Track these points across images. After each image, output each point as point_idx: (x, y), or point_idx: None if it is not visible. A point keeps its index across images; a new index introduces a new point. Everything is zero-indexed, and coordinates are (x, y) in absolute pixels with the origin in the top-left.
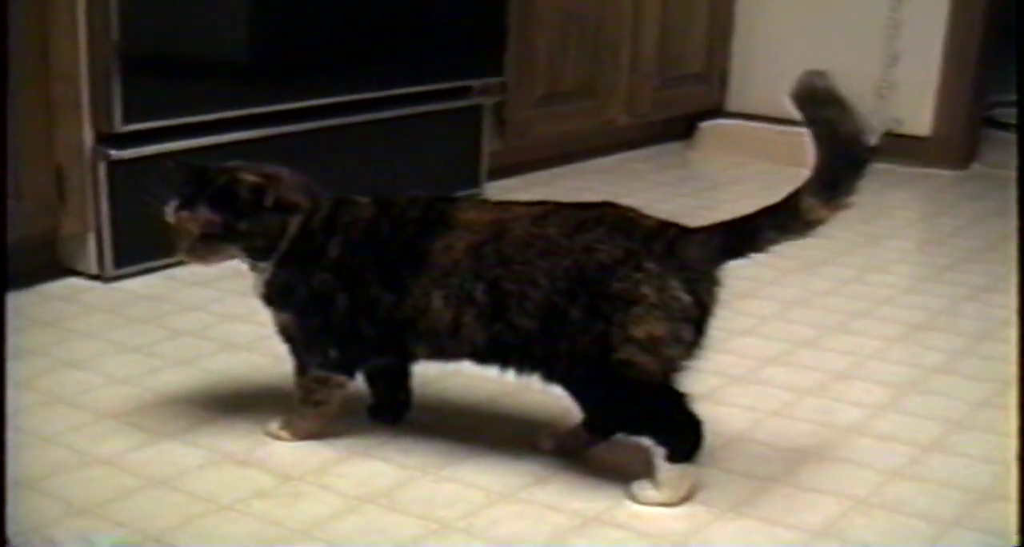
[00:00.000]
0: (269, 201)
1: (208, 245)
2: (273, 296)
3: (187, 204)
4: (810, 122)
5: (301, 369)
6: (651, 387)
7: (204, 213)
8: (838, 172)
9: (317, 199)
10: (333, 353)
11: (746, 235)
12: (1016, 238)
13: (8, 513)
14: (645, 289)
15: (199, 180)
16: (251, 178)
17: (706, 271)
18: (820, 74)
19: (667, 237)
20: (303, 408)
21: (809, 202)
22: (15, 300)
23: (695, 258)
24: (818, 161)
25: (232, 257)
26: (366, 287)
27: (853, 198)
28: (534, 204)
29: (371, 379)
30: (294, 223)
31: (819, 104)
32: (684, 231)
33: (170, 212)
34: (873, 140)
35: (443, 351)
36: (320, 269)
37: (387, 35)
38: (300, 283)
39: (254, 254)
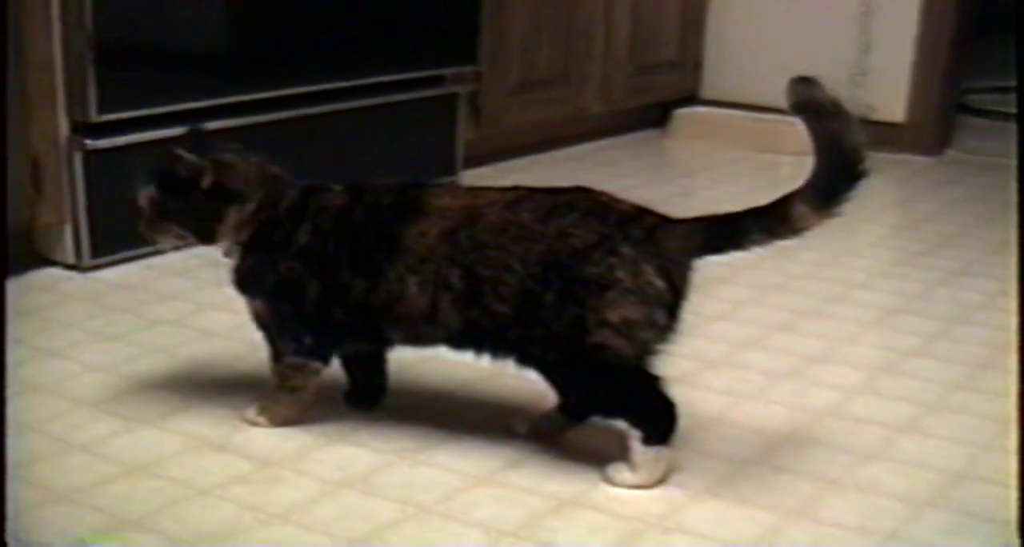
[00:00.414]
0: (205, 184)
1: (155, 223)
2: (243, 282)
3: (148, 182)
4: (814, 133)
5: (276, 356)
6: (625, 370)
7: (150, 190)
8: (835, 184)
9: (278, 189)
10: (307, 340)
11: (730, 234)
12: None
13: None
14: (619, 273)
15: (167, 160)
16: (191, 159)
17: (682, 262)
18: (812, 81)
19: (646, 224)
20: (279, 394)
21: (800, 210)
22: None
23: (673, 249)
24: (816, 171)
25: (179, 238)
26: (337, 274)
27: (844, 207)
28: (507, 190)
29: (347, 365)
30: (236, 211)
31: (824, 116)
32: (666, 220)
33: (141, 191)
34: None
35: (419, 336)
36: (287, 256)
37: (361, 24)
38: (267, 270)
39: (196, 235)
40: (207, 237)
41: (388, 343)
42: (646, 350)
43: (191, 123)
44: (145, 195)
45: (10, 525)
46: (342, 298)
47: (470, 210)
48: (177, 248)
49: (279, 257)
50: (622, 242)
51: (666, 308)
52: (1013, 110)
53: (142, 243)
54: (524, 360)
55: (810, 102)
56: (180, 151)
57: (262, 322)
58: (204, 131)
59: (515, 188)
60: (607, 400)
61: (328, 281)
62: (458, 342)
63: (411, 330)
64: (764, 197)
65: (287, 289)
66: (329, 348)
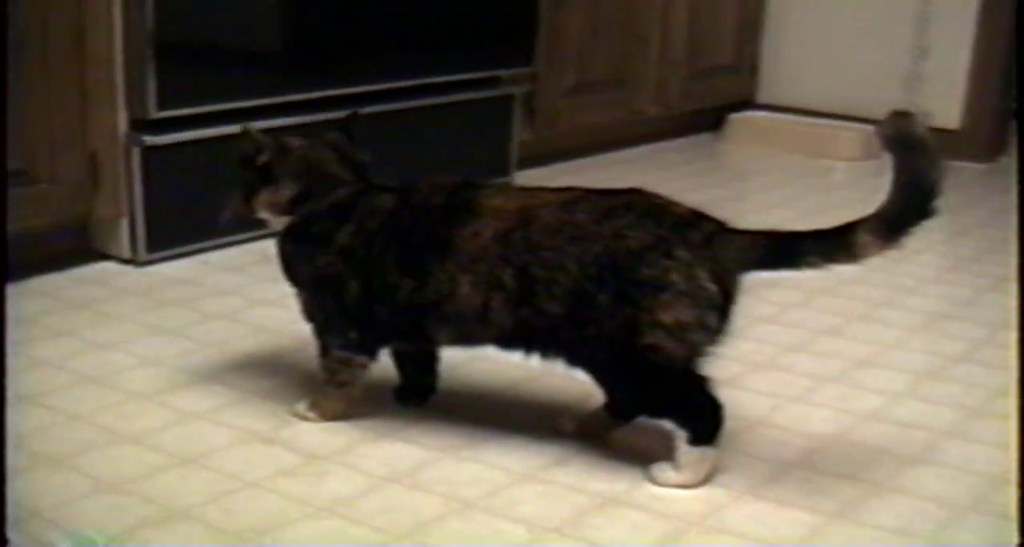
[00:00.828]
0: (259, 161)
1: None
2: (284, 270)
3: None
4: (897, 166)
5: (324, 350)
6: (675, 371)
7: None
8: (906, 218)
9: (325, 184)
10: (353, 334)
11: (789, 254)
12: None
13: (36, 490)
14: (674, 276)
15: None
16: (263, 138)
17: (735, 271)
18: (910, 116)
19: (705, 229)
20: (328, 389)
21: (865, 239)
22: (49, 283)
23: (730, 259)
24: (889, 202)
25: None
26: (383, 275)
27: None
28: (561, 190)
29: (400, 362)
30: (269, 192)
31: (911, 151)
32: (725, 228)
33: None
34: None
35: (469, 336)
36: (327, 252)
37: (418, 24)
38: (303, 262)
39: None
40: (249, 210)
41: (433, 343)
42: (696, 352)
43: (350, 108)
44: None
45: (58, 513)
46: (388, 297)
47: (525, 211)
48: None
49: (317, 251)
50: (678, 245)
51: (717, 311)
52: None
53: (197, 238)
54: (574, 360)
55: (904, 136)
56: (248, 127)
57: (309, 314)
58: (361, 116)
59: (569, 189)
60: (655, 400)
61: (372, 282)
62: (508, 341)
63: (461, 329)
64: (816, 201)
65: (326, 284)
66: (375, 343)
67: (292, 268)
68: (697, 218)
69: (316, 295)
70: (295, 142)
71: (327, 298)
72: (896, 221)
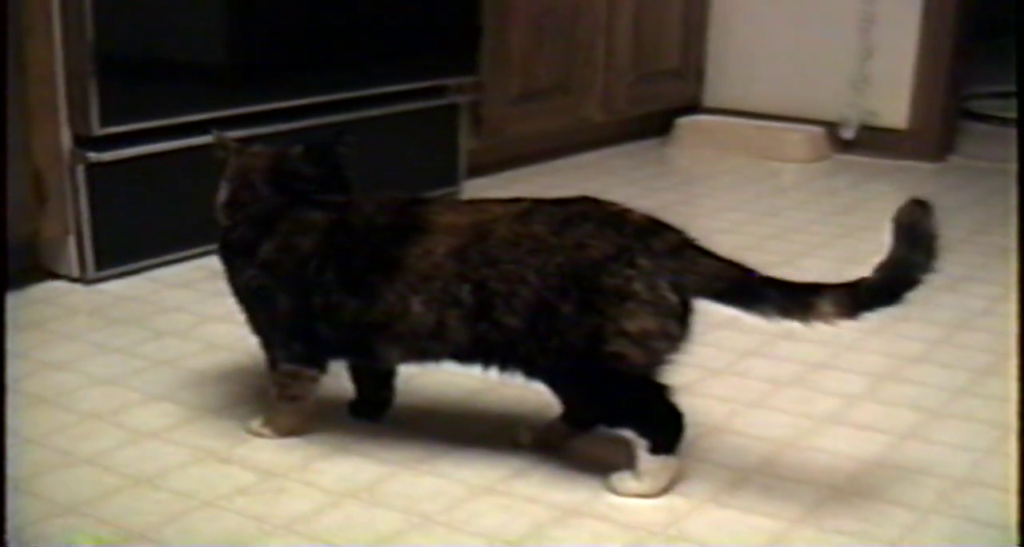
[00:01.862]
0: (217, 157)
1: None
2: (226, 279)
3: None
4: (894, 253)
5: (272, 363)
6: (636, 380)
7: None
8: (878, 301)
9: (251, 192)
10: (296, 346)
11: (749, 297)
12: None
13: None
14: (637, 286)
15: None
16: (220, 138)
17: (695, 292)
18: (927, 209)
19: (670, 240)
20: (280, 404)
21: (827, 309)
22: None
23: (692, 281)
24: (864, 283)
25: None
26: (325, 294)
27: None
28: (510, 202)
29: (356, 375)
30: (222, 190)
31: (914, 244)
32: (695, 247)
33: None
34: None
35: (423, 352)
36: (250, 265)
37: (362, 35)
38: (233, 271)
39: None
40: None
41: (381, 360)
42: (659, 360)
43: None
44: None
45: (14, 538)
46: (331, 316)
47: (478, 226)
48: None
49: (241, 263)
50: (640, 254)
51: (679, 320)
52: (1015, 115)
53: (146, 255)
54: (533, 372)
55: (915, 229)
56: (216, 132)
57: (254, 327)
58: (350, 139)
59: (517, 200)
60: (616, 410)
61: (310, 299)
62: (465, 356)
63: (414, 346)
64: (767, 204)
65: (255, 297)
66: (322, 356)
67: (227, 277)
68: (657, 226)
69: (248, 307)
70: (251, 149)
71: (259, 311)
72: (866, 300)
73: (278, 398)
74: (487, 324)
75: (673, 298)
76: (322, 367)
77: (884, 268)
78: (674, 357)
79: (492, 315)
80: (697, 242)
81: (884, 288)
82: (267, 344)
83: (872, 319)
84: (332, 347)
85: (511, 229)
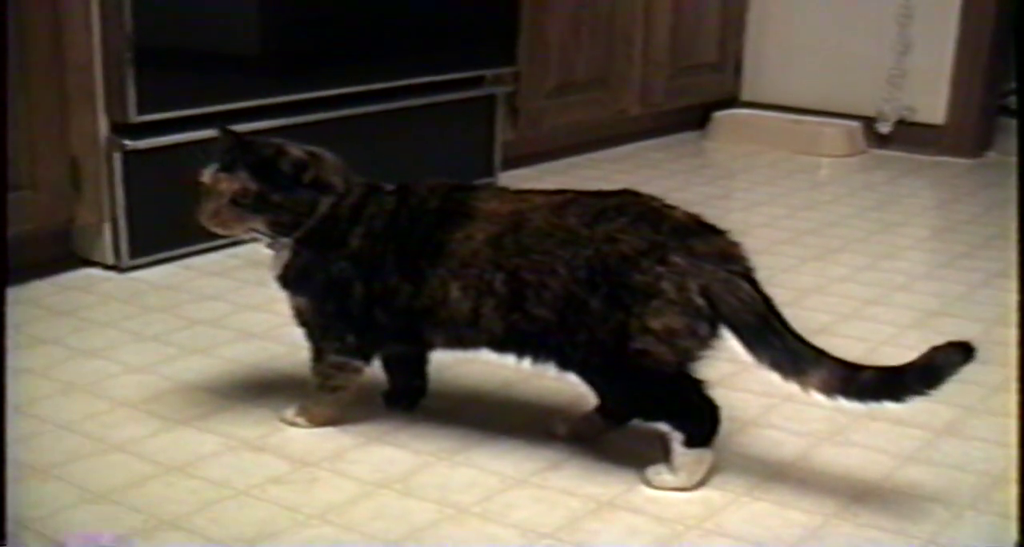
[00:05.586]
0: (308, 178)
1: (235, 212)
2: (290, 278)
3: (227, 168)
4: (905, 376)
5: (318, 355)
6: (667, 375)
7: (243, 178)
8: (863, 396)
9: (350, 185)
10: (350, 339)
11: (755, 338)
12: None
13: (23, 500)
14: (665, 284)
15: (244, 149)
16: (296, 153)
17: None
18: (968, 354)
19: (720, 248)
20: (320, 394)
21: (817, 378)
22: (32, 290)
23: (725, 305)
24: (869, 377)
25: (252, 230)
26: (385, 277)
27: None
28: (553, 193)
29: (388, 366)
30: (325, 203)
31: (927, 381)
32: (742, 274)
33: (208, 173)
34: None
35: (461, 340)
36: (341, 257)
37: (401, 25)
38: (319, 268)
39: (277, 229)
40: (289, 230)
41: (429, 346)
42: (688, 357)
43: (220, 124)
44: (236, 183)
45: (45, 524)
46: (387, 301)
47: (516, 214)
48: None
49: (333, 257)
50: (675, 251)
51: (707, 321)
52: None
53: (181, 243)
54: (565, 364)
55: (940, 370)
56: (284, 144)
57: (303, 320)
58: (237, 133)
59: (562, 191)
60: (649, 404)
61: (374, 284)
62: (500, 346)
63: (453, 334)
64: (803, 198)
65: (335, 288)
66: (372, 348)
67: (302, 278)
68: (702, 227)
69: (320, 301)
70: (314, 149)
71: (331, 303)
72: (853, 390)
73: (319, 388)
74: (519, 315)
75: (701, 302)
76: (368, 359)
77: (887, 377)
78: (705, 354)
79: (524, 305)
80: (740, 251)
81: (876, 390)
82: (321, 335)
83: (909, 314)
84: (386, 333)
85: (546, 219)
